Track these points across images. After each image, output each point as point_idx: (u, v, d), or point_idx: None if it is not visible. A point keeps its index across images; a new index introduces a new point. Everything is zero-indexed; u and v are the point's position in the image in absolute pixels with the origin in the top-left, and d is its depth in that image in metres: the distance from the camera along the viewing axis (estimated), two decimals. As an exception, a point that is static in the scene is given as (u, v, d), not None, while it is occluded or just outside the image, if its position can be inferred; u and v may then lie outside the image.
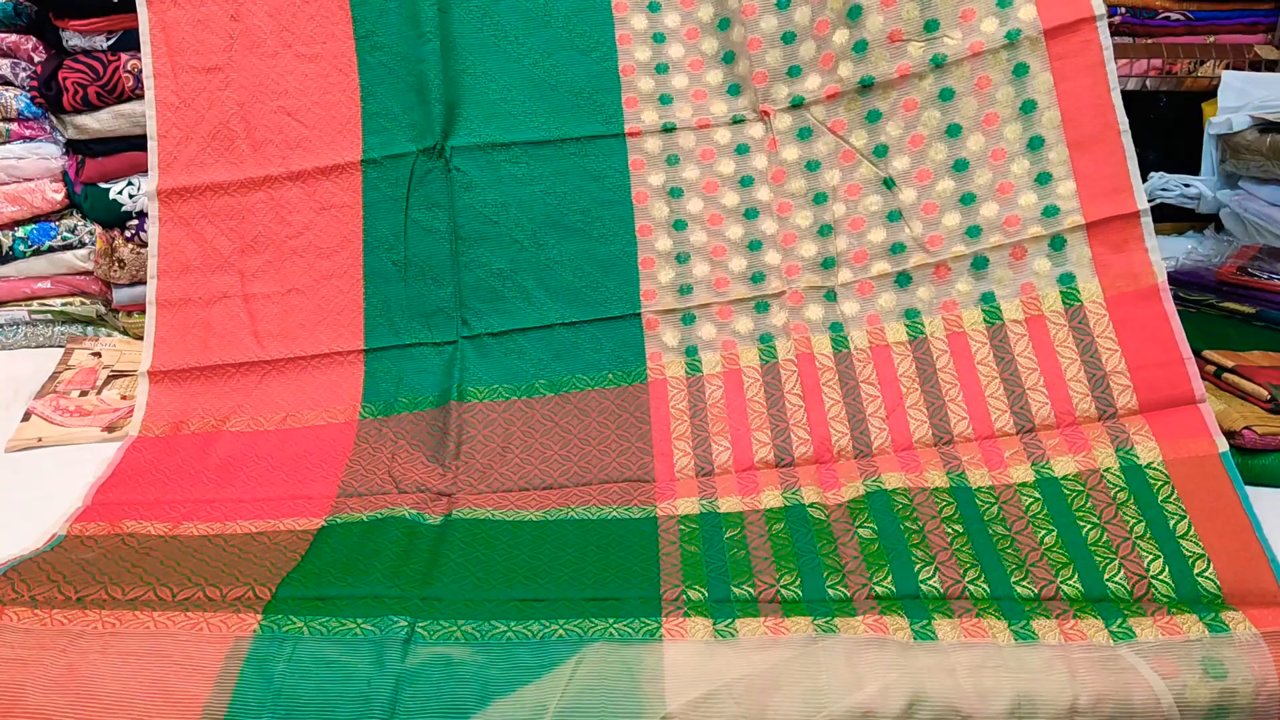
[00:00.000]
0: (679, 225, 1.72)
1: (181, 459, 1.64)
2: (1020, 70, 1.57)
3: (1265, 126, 1.82)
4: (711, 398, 1.61)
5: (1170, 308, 1.47)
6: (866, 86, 1.64)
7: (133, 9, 1.80)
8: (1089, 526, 1.31)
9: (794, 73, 1.69)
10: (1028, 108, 1.57)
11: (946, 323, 1.58)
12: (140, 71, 1.82)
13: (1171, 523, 1.29)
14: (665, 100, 1.75)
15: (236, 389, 1.74)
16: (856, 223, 1.65)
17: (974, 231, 1.59)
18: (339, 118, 1.79)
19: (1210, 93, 1.97)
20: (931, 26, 1.61)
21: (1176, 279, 1.92)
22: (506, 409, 1.65)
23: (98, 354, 1.92)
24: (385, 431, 1.65)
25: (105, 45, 1.85)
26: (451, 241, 1.75)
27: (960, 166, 1.61)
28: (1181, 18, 2.00)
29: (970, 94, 1.60)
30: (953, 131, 1.61)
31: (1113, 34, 1.65)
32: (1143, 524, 1.30)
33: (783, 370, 1.61)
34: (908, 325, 1.60)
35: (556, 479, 1.55)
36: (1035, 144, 1.57)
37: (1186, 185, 1.98)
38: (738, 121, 1.73)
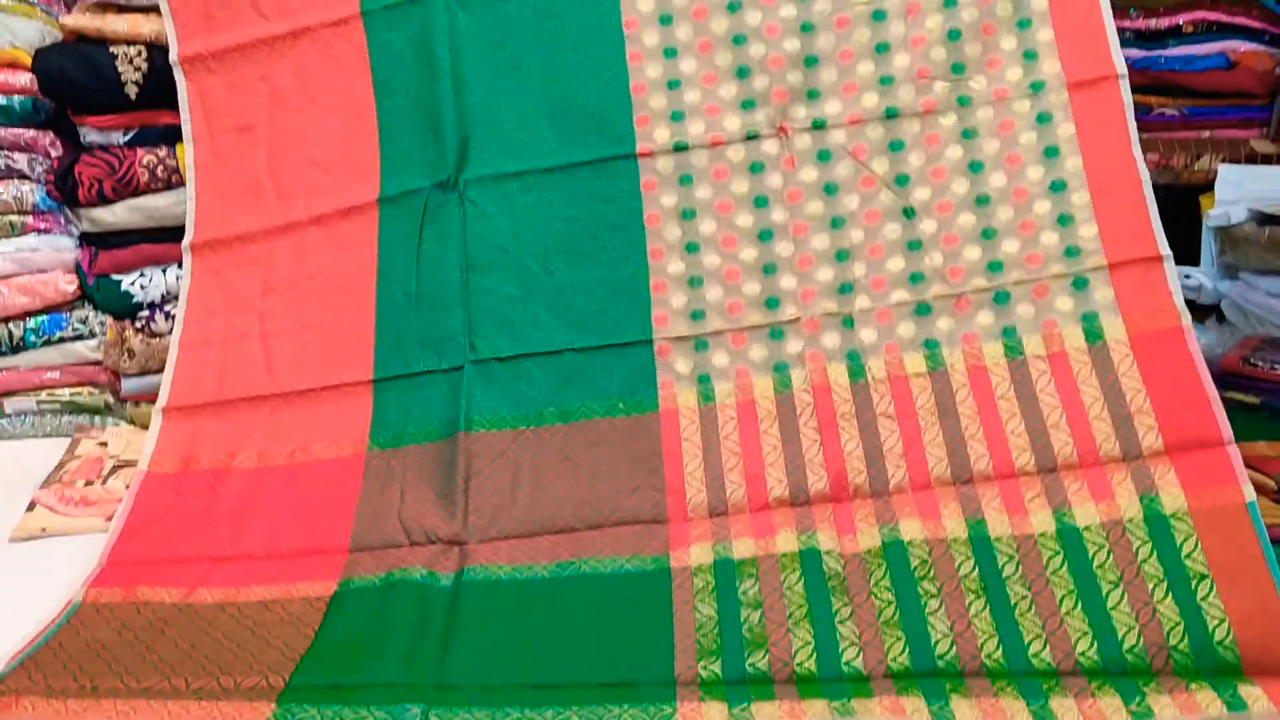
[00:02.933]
0: (691, 248, 1.69)
1: (192, 503, 1.63)
2: (1043, 119, 1.59)
3: (1263, 219, 1.84)
4: (725, 430, 1.57)
5: (1195, 350, 1.45)
6: (890, 117, 1.65)
7: (151, 107, 1.87)
8: (1109, 587, 1.29)
9: (813, 95, 1.69)
10: (1050, 153, 1.59)
11: (966, 355, 1.55)
12: (156, 166, 1.87)
13: (1193, 583, 1.27)
14: (677, 117, 1.72)
15: (247, 422, 1.73)
16: (875, 249, 1.63)
17: (995, 267, 1.58)
18: (359, 163, 1.80)
19: (1208, 186, 1.99)
20: (958, 69, 1.64)
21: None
22: (515, 439, 1.61)
23: (104, 444, 1.92)
24: (394, 466, 1.62)
25: (122, 141, 1.90)
26: (463, 271, 1.72)
27: (982, 201, 1.61)
28: (1177, 113, 2.04)
29: (993, 135, 1.62)
30: (975, 168, 1.62)
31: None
32: (1164, 585, 1.28)
33: (798, 401, 1.57)
34: (927, 356, 1.57)
35: (568, 521, 1.52)
36: (1057, 186, 1.58)
37: (1187, 276, 1.98)
38: (752, 137, 1.69)
